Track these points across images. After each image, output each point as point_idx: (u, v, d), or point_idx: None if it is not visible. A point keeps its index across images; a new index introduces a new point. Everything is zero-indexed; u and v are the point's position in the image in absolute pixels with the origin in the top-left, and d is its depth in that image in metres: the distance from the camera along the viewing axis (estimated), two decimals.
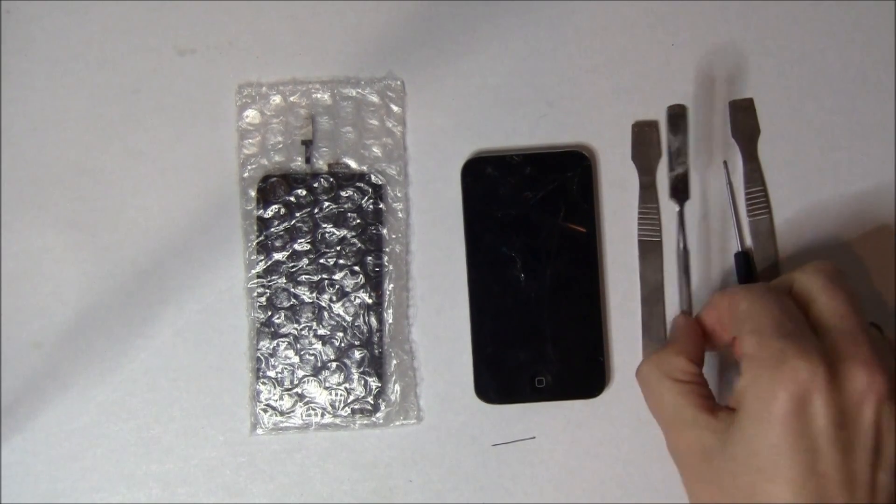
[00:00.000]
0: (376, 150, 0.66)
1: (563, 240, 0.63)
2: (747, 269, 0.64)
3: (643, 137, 0.66)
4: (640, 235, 0.65)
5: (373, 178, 0.65)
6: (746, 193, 0.65)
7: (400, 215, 0.65)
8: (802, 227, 0.65)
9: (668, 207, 0.65)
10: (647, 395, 0.57)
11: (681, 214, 0.65)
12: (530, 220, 0.63)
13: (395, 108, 0.66)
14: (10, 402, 0.63)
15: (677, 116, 0.65)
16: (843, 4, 0.67)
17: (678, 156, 0.65)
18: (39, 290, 0.64)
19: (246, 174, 0.65)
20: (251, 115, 0.66)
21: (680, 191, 0.65)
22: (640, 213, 0.65)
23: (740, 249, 0.64)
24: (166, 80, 0.66)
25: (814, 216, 0.65)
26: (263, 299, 0.64)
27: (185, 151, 0.66)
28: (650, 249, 0.65)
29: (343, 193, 0.65)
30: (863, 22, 0.67)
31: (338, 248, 0.64)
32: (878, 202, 0.65)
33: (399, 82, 0.66)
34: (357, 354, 0.64)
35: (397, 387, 0.63)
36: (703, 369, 0.57)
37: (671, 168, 0.65)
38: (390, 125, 0.66)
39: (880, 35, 0.67)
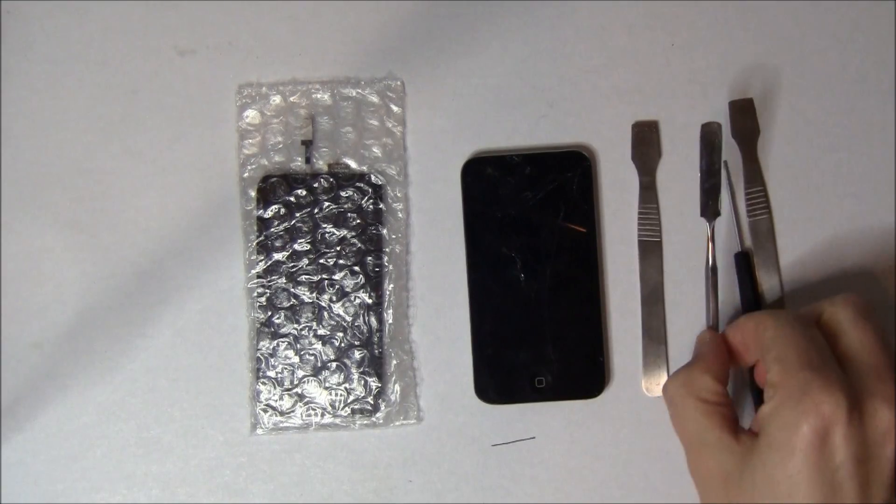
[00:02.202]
0: (376, 151, 0.66)
1: (563, 240, 0.63)
2: (747, 269, 0.64)
3: (643, 137, 0.66)
4: (640, 236, 0.65)
5: (373, 178, 0.65)
6: (746, 193, 0.65)
7: (400, 215, 0.65)
8: (802, 228, 0.65)
9: (668, 208, 0.65)
10: (673, 413, 0.57)
11: (712, 231, 0.64)
12: (530, 220, 0.63)
13: (395, 108, 0.66)
14: (10, 402, 0.63)
15: (712, 133, 0.63)
16: (843, 4, 0.67)
17: (710, 174, 0.63)
18: (39, 290, 0.64)
19: (246, 174, 0.65)
20: (251, 115, 0.66)
21: (710, 208, 0.64)
22: (640, 213, 0.65)
23: (740, 249, 0.64)
24: (166, 81, 0.66)
25: (814, 217, 0.65)
26: (263, 299, 0.64)
27: (185, 151, 0.66)
28: (650, 250, 0.65)
29: (343, 193, 0.65)
30: (863, 22, 0.67)
31: (338, 249, 0.64)
32: (878, 202, 0.65)
33: (399, 82, 0.66)
34: (357, 354, 0.64)
35: (397, 387, 0.63)
36: (727, 388, 0.57)
37: (703, 185, 0.64)
38: (390, 125, 0.66)
39: (880, 35, 0.67)
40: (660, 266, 0.65)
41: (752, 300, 0.63)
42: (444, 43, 0.67)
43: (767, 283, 0.64)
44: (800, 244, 0.65)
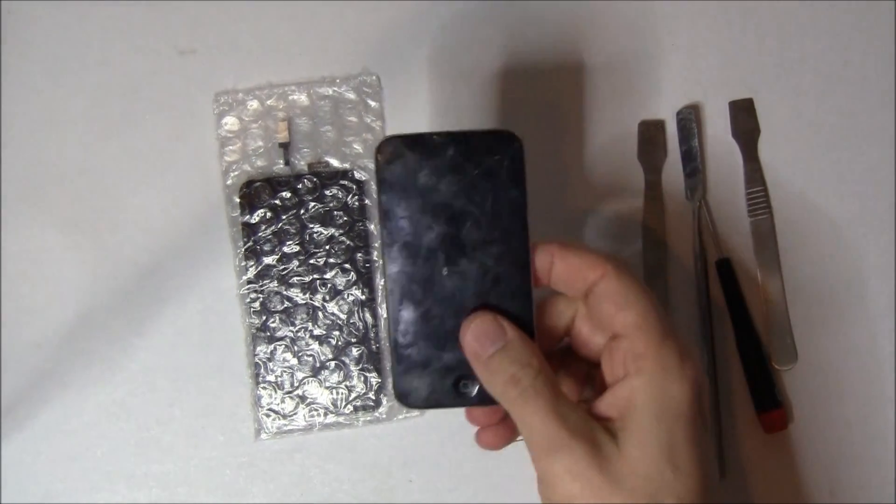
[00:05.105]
0: (357, 147, 0.66)
1: (491, 231, 0.54)
2: (730, 277, 0.64)
3: (649, 136, 0.66)
4: (644, 235, 0.65)
5: (355, 174, 0.65)
6: (747, 193, 0.65)
7: None
8: (803, 227, 0.65)
9: (669, 206, 0.65)
10: None
11: (697, 214, 0.65)
12: (453, 208, 0.54)
13: (372, 104, 0.66)
14: (10, 401, 0.63)
15: (687, 119, 0.65)
16: (843, 4, 0.67)
17: (689, 158, 0.65)
18: (39, 290, 0.64)
19: (229, 181, 0.65)
20: (230, 121, 0.66)
21: (694, 191, 0.65)
22: (645, 211, 0.65)
23: (721, 257, 0.64)
24: (165, 81, 0.66)
25: (814, 216, 0.65)
26: (257, 304, 0.64)
27: (185, 151, 0.66)
28: (657, 250, 0.64)
29: (327, 192, 0.65)
30: (863, 22, 0.67)
31: (327, 248, 0.64)
32: (878, 202, 0.65)
33: (374, 77, 0.66)
34: (355, 351, 0.64)
35: None
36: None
37: (685, 170, 0.65)
38: (369, 121, 0.66)
39: (880, 35, 0.67)
40: (664, 263, 0.64)
41: (738, 308, 0.63)
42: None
43: (769, 283, 0.64)
44: (800, 244, 0.65)
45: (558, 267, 0.51)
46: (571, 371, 0.54)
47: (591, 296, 0.50)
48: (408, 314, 0.55)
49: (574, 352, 0.53)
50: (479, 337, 0.51)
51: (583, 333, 0.52)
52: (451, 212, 0.54)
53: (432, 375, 0.54)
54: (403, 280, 0.54)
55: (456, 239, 0.54)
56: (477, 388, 0.53)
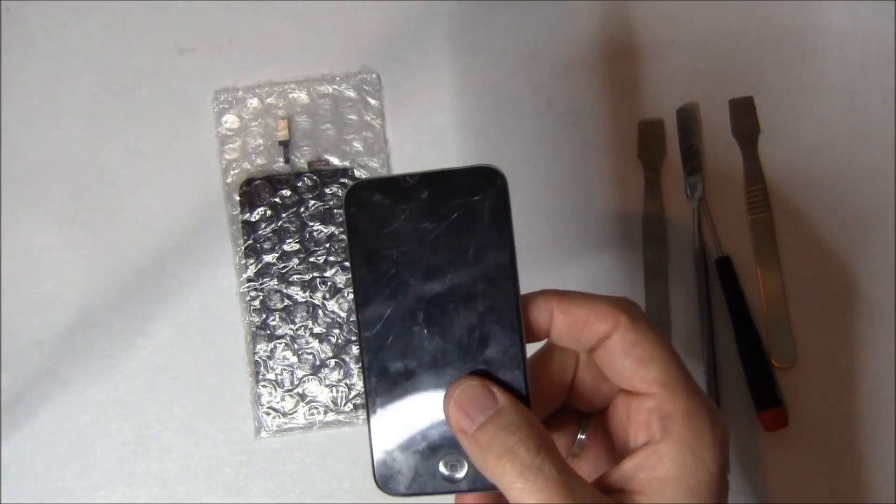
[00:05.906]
0: (357, 145, 0.66)
1: (475, 281, 0.46)
2: (730, 275, 0.64)
3: (649, 135, 0.66)
4: (644, 233, 0.65)
5: (355, 172, 0.65)
6: (747, 192, 0.65)
7: None
8: (802, 226, 0.65)
9: (669, 204, 0.65)
10: None
11: (698, 212, 0.65)
12: (431, 259, 0.47)
13: (372, 102, 0.66)
14: (10, 400, 0.64)
15: (688, 117, 0.65)
16: (843, 4, 0.67)
17: (690, 155, 0.65)
18: (40, 288, 0.65)
19: (229, 179, 0.65)
20: (230, 119, 0.66)
21: (695, 189, 0.65)
22: (645, 210, 0.65)
23: (720, 255, 0.64)
24: (165, 79, 0.67)
25: (813, 215, 0.65)
26: (257, 302, 0.64)
27: (184, 150, 0.66)
28: (657, 248, 0.64)
29: (327, 190, 0.65)
30: (863, 22, 0.67)
31: (327, 246, 0.65)
32: (878, 202, 0.65)
33: (374, 75, 0.66)
34: (355, 349, 0.64)
35: None
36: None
37: (685, 168, 0.65)
38: (369, 118, 0.66)
39: (880, 35, 0.67)
40: (664, 261, 0.64)
41: (738, 306, 0.63)
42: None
43: (769, 281, 0.64)
44: (800, 242, 0.65)
45: (560, 321, 0.44)
46: (562, 424, 0.48)
47: (601, 349, 0.44)
48: (385, 385, 0.47)
49: (567, 403, 0.47)
50: (465, 406, 0.43)
51: (585, 385, 0.46)
52: (430, 263, 0.47)
53: (416, 456, 0.47)
54: (379, 344, 0.47)
55: (437, 294, 0.47)
56: (466, 469, 0.46)
